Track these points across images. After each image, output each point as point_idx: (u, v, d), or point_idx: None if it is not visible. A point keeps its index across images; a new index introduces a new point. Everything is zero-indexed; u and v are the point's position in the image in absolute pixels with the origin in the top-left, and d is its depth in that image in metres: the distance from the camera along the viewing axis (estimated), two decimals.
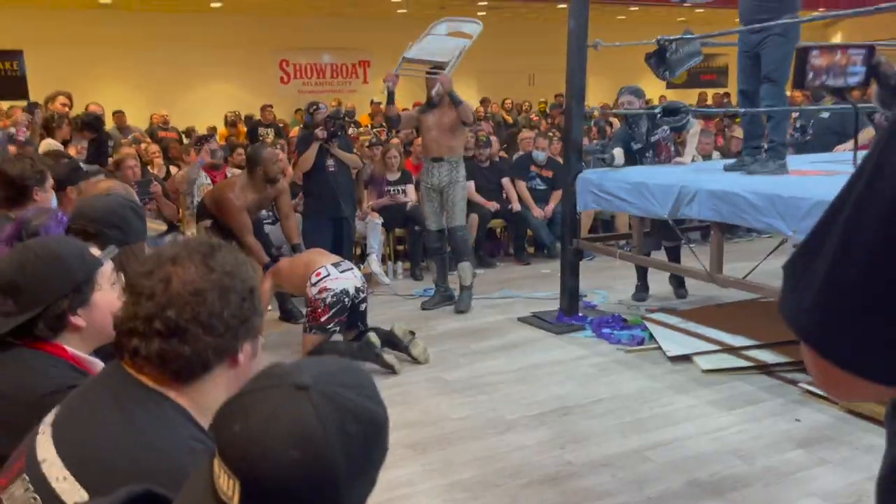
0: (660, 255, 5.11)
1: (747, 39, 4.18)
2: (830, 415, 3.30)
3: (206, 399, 1.07)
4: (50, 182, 2.84)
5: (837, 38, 15.19)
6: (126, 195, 2.48)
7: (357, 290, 4.10)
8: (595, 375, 3.91)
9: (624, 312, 4.87)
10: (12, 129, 4.92)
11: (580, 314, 4.85)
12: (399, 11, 12.84)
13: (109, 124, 8.66)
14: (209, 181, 5.80)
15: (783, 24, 3.91)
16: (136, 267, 1.10)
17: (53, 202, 2.93)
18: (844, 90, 2.88)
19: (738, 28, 4.26)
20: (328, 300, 4.01)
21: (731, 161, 4.68)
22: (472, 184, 6.65)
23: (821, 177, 3.89)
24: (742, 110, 4.41)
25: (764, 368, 3.83)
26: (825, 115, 6.24)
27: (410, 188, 6.48)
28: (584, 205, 4.78)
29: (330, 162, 5.42)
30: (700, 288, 5.21)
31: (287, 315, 5.10)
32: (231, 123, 10.42)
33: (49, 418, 1.09)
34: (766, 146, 4.28)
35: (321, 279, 4.04)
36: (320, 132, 5.34)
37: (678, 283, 5.38)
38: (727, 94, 13.61)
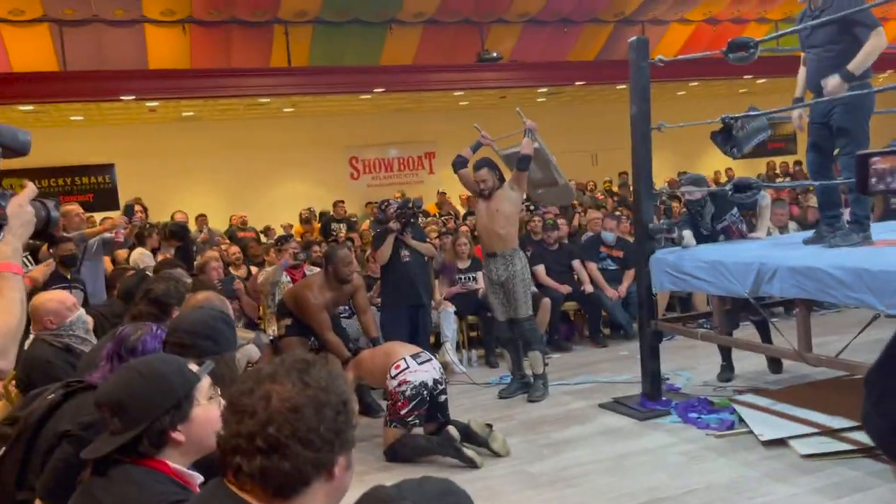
0: (744, 330, 4.94)
1: (817, 108, 4.15)
2: None
3: None
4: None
5: None
6: (219, 306, 2.61)
7: (436, 381, 4.11)
8: (685, 464, 3.75)
9: (710, 395, 4.70)
10: (109, 235, 5.22)
11: (664, 398, 4.70)
12: (461, 104, 13.29)
13: (192, 227, 9.14)
14: (289, 279, 6.01)
15: (855, 94, 3.87)
16: (236, 385, 1.16)
17: None
18: None
19: (805, 103, 4.26)
20: (408, 393, 4.03)
21: (809, 234, 4.57)
22: (541, 267, 6.67)
23: None
24: (816, 183, 4.34)
25: (869, 451, 3.59)
26: None
27: (481, 275, 6.53)
28: (659, 285, 4.71)
29: (405, 252, 5.59)
30: (791, 365, 5.01)
31: (366, 409, 5.13)
32: (305, 220, 10.83)
33: None
34: (847, 218, 4.17)
35: (400, 371, 4.07)
36: (393, 224, 5.54)
37: (772, 358, 5.18)
38: (798, 163, 13.35)
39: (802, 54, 4.36)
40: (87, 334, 3.15)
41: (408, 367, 4.09)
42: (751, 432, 4.00)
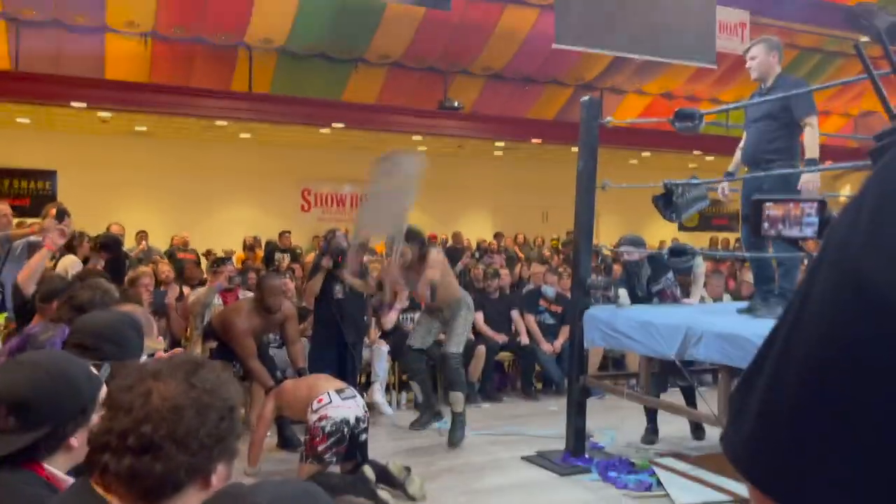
0: (672, 395, 4.99)
1: (751, 182, 4.31)
2: None
3: None
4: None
5: (846, 191, 15.55)
6: (128, 312, 2.50)
7: (357, 419, 4.01)
8: None
9: (632, 455, 4.70)
10: (35, 238, 4.99)
11: (587, 455, 4.69)
12: (419, 149, 13.41)
13: (130, 244, 8.88)
14: (220, 301, 5.86)
15: (785, 171, 4.04)
16: (117, 381, 1.10)
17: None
18: (799, 240, 2.91)
19: (737, 177, 4.41)
20: (327, 429, 3.91)
21: (743, 304, 4.68)
22: (480, 315, 6.66)
23: None
24: (748, 255, 4.47)
25: None
26: None
27: (419, 315, 6.50)
28: (591, 341, 4.74)
29: (338, 288, 5.49)
30: (714, 433, 5.06)
31: (285, 442, 4.98)
32: (249, 247, 10.66)
33: None
34: (776, 291, 4.29)
35: (322, 406, 3.96)
36: (325, 261, 5.47)
37: (696, 424, 5.23)
38: (738, 240, 13.81)
39: (745, 132, 4.55)
40: None
41: (330, 402, 3.97)
42: (667, 496, 4.00)
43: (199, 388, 1.05)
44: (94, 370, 1.59)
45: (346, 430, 3.94)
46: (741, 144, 4.53)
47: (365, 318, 6.02)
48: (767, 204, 0.94)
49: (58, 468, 1.46)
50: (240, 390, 1.15)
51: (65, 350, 1.92)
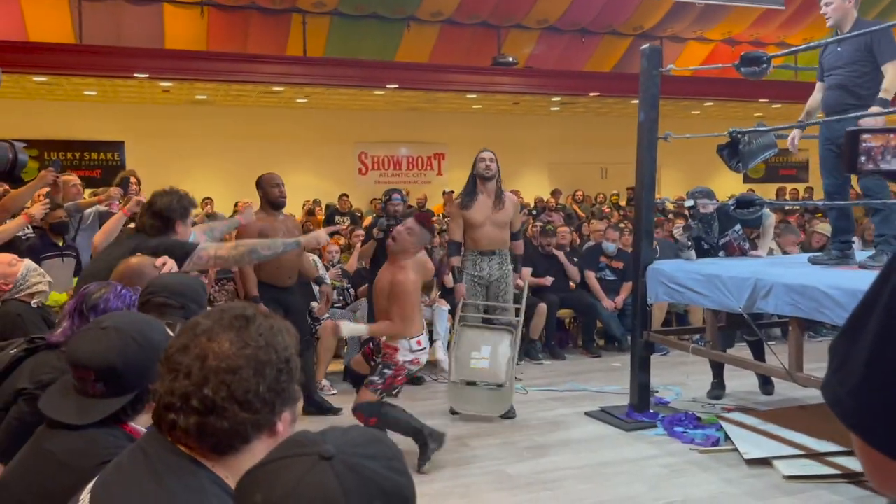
0: (740, 350, 4.88)
1: (831, 130, 4.11)
2: None
3: (244, 470, 1.06)
4: (191, 218, 3.09)
5: None
6: (194, 276, 2.57)
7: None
8: (666, 476, 3.69)
9: (698, 411, 4.64)
10: (104, 207, 5.17)
11: (651, 411, 4.64)
12: (474, 107, 13.27)
13: (196, 210, 9.11)
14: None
15: (858, 115, 3.83)
16: (172, 339, 1.12)
17: (192, 236, 3.16)
18: None
19: (809, 122, 4.21)
20: (412, 372, 3.94)
21: (818, 255, 4.52)
22: (529, 270, 6.57)
23: None
24: (821, 203, 4.29)
25: (852, 477, 3.53)
26: None
27: None
28: (654, 296, 4.66)
29: None
30: (783, 388, 4.94)
31: (314, 406, 4.85)
32: (309, 211, 10.81)
33: (90, 485, 1.10)
34: (874, 239, 4.12)
35: (420, 350, 3.87)
36: (376, 231, 5.41)
37: (764, 378, 5.11)
38: (809, 189, 13.28)
39: (817, 83, 4.33)
40: (44, 277, 3.10)
41: (424, 349, 3.90)
42: (735, 450, 3.94)
43: (254, 346, 1.05)
44: (169, 331, 1.64)
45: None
46: (816, 94, 4.32)
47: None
48: (865, 136, 0.89)
49: (141, 425, 1.53)
50: (293, 335, 1.14)
51: (149, 307, 1.98)
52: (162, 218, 2.96)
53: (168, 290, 2.05)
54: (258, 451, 1.08)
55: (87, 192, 6.06)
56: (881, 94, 3.83)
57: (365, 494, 0.75)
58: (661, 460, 3.92)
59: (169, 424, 1.06)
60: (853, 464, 3.64)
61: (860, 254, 4.53)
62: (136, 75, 9.66)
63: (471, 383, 4.74)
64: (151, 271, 2.35)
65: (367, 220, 9.17)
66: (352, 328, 4.30)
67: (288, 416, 1.10)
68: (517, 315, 5.00)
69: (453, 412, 4.82)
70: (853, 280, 3.51)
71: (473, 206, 4.89)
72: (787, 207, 10.08)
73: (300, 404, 1.14)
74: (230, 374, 1.03)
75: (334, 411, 4.93)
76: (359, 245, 6.49)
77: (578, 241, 7.96)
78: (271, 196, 4.81)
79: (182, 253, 2.82)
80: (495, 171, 4.90)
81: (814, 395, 4.54)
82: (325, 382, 5.37)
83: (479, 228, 4.93)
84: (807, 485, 3.51)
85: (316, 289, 5.50)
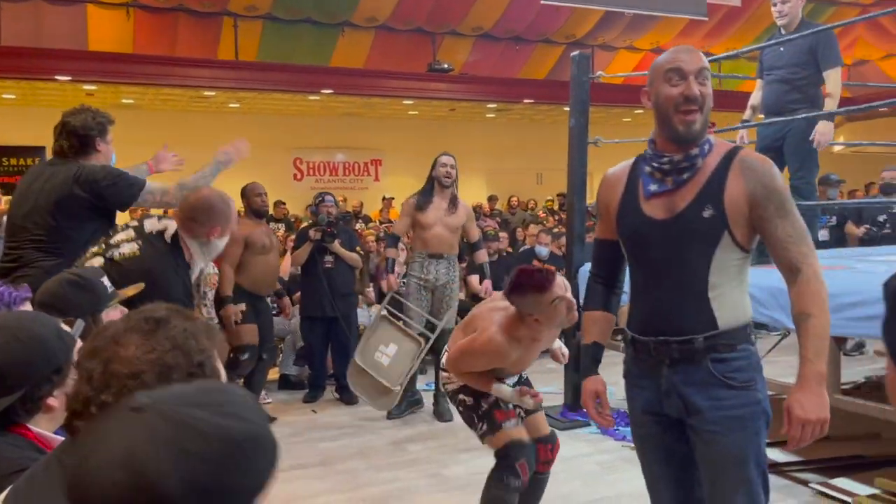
0: None
1: (766, 131, 4.25)
2: None
3: None
4: (111, 135, 2.99)
5: (841, 139, 15.54)
6: (74, 270, 2.43)
7: None
8: (599, 473, 3.78)
9: None
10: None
11: (585, 410, 4.72)
12: (410, 113, 13.30)
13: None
14: (216, 270, 5.84)
15: (809, 116, 3.98)
16: (86, 342, 1.08)
17: (114, 158, 3.09)
18: None
19: (752, 123, 4.35)
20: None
21: None
22: (475, 277, 6.65)
23: (836, 271, 3.89)
24: None
25: (774, 468, 3.68)
26: None
27: None
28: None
29: (327, 258, 5.38)
30: None
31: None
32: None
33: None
34: None
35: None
36: (313, 233, 5.34)
37: None
38: None
39: (758, 81, 4.48)
40: None
41: None
42: None
43: (160, 349, 1.00)
44: (66, 327, 1.57)
45: None
46: (758, 91, 4.44)
47: (354, 287, 5.86)
48: None
49: (45, 429, 1.46)
50: (216, 337, 1.10)
51: (36, 305, 1.88)
52: (79, 137, 2.87)
53: (42, 292, 1.97)
54: None
55: (5, 198, 5.81)
56: (827, 101, 3.98)
57: (177, 441, 0.71)
58: (595, 458, 4.00)
59: (74, 431, 1.02)
60: (775, 455, 3.80)
61: None
62: (57, 78, 9.32)
63: (366, 372, 4.71)
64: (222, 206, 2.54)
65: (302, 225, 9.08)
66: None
67: None
68: (457, 322, 4.94)
69: (390, 415, 4.83)
70: (772, 279, 3.65)
71: (428, 208, 4.85)
72: None
73: None
74: (132, 379, 0.98)
75: (270, 420, 4.87)
76: (289, 251, 6.40)
77: (510, 249, 8.05)
78: (254, 205, 4.97)
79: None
80: (454, 178, 4.92)
81: None
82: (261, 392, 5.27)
83: (430, 229, 4.88)
84: None
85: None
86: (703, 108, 1.77)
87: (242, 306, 4.68)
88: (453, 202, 4.91)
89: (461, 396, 2.86)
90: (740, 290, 1.82)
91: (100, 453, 0.71)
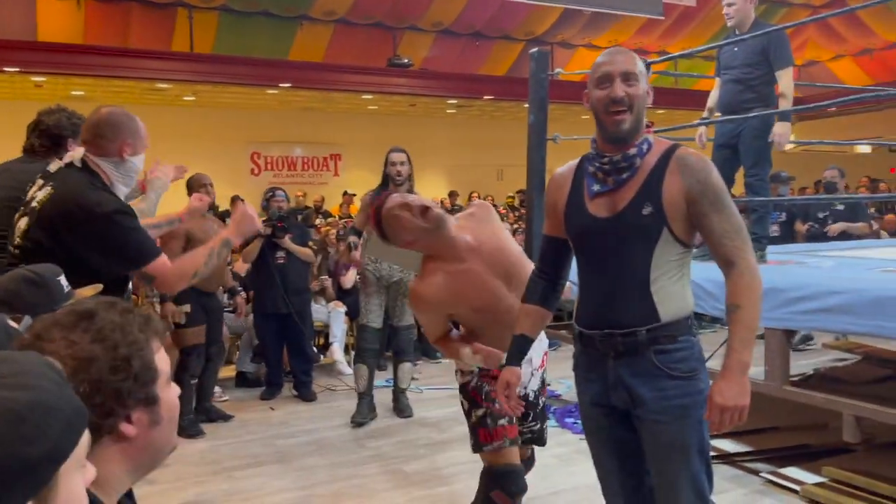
0: None
1: (723, 129, 4.34)
2: None
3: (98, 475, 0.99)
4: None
5: (792, 137, 15.96)
6: (32, 268, 2.36)
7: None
8: (556, 466, 3.81)
9: None
10: None
11: None
12: (370, 108, 13.23)
13: None
14: None
15: (761, 116, 4.10)
16: (16, 340, 1.04)
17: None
18: None
19: (710, 119, 4.43)
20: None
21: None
22: None
23: (786, 266, 4.00)
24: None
25: (726, 458, 3.77)
26: (840, 206, 6.53)
27: None
28: None
29: (279, 253, 5.32)
30: None
31: (203, 413, 4.75)
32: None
33: None
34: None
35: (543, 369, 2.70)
36: (263, 228, 5.26)
37: None
38: None
39: (717, 80, 4.56)
40: None
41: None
42: None
43: (81, 343, 0.97)
44: (13, 324, 1.53)
45: None
46: (715, 90, 4.53)
47: (309, 283, 5.80)
48: None
49: None
50: (154, 329, 1.06)
51: None
52: (51, 136, 2.82)
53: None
54: (109, 454, 1.00)
55: None
56: (781, 101, 4.08)
57: None
58: (553, 451, 4.02)
59: None
60: (727, 445, 3.88)
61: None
62: (5, 69, 9.02)
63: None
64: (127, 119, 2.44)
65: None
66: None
67: (143, 417, 1.03)
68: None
69: (354, 422, 4.65)
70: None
71: None
72: None
73: (169, 405, 1.07)
74: None
75: (225, 418, 4.81)
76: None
77: None
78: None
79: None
80: (406, 176, 4.68)
81: None
82: (216, 389, 5.19)
83: None
84: None
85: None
86: (633, 108, 1.83)
87: (187, 307, 4.53)
88: None
89: (460, 398, 2.65)
90: (682, 284, 1.88)
91: None
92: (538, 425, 2.69)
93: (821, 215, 6.79)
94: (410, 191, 4.59)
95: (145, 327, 1.03)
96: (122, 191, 2.43)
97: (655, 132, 4.37)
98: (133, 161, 2.45)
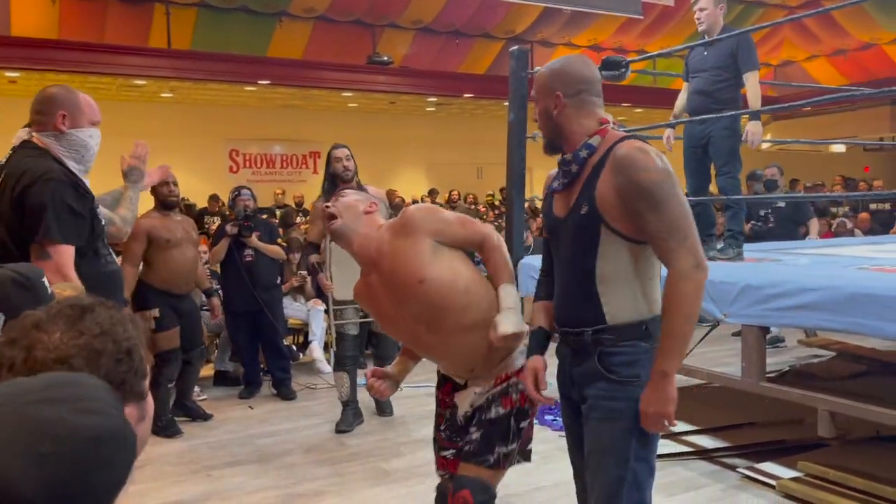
0: None
1: (693, 131, 4.41)
2: (769, 500, 3.29)
3: None
4: None
5: (767, 137, 16.14)
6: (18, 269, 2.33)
7: None
8: (536, 463, 3.79)
9: None
10: None
11: None
12: (350, 105, 13.18)
13: None
14: None
15: (729, 117, 4.22)
16: (2, 334, 1.03)
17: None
18: None
19: (678, 121, 4.50)
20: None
21: None
22: None
23: (765, 264, 4.06)
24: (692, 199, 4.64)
25: (703, 454, 3.81)
26: (781, 204, 6.65)
27: None
28: (526, 290, 4.81)
29: (247, 251, 5.28)
30: None
31: (184, 411, 4.75)
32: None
33: None
34: (724, 234, 4.46)
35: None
36: (230, 228, 5.25)
37: None
38: None
39: (684, 84, 4.64)
40: None
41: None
42: None
43: (88, 335, 0.97)
44: None
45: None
46: (683, 94, 4.62)
47: (279, 281, 5.71)
48: None
49: None
50: (140, 328, 1.07)
51: None
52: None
53: None
54: None
55: None
56: (751, 103, 4.18)
57: (29, 442, 0.67)
58: (534, 448, 4.04)
59: None
60: (704, 441, 3.93)
61: None
62: None
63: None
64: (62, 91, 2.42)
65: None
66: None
67: (133, 412, 1.03)
68: None
69: (339, 430, 4.49)
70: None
71: None
72: None
73: (150, 402, 1.07)
74: (59, 364, 0.94)
75: (205, 417, 4.78)
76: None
77: None
78: (160, 195, 4.61)
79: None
80: (353, 171, 4.48)
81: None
82: (195, 388, 5.15)
83: None
84: (663, 462, 3.73)
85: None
86: (541, 125, 1.96)
87: (155, 312, 4.45)
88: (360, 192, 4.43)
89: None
90: (638, 285, 1.82)
91: None
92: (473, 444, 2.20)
93: (762, 213, 6.89)
94: (359, 186, 4.33)
95: (135, 325, 1.04)
96: (74, 167, 2.40)
97: (630, 131, 4.42)
98: (75, 134, 2.42)
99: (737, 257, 4.25)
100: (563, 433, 4.18)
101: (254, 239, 5.27)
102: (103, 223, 2.59)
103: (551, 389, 2.03)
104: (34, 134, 2.39)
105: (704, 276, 1.75)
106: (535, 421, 4.39)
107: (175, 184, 4.67)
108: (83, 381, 0.77)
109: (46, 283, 1.90)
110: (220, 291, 5.50)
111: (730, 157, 4.30)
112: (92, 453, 0.70)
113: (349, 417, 4.53)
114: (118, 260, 3.60)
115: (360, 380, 5.18)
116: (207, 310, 5.32)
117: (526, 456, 2.42)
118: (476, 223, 2.23)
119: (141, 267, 4.56)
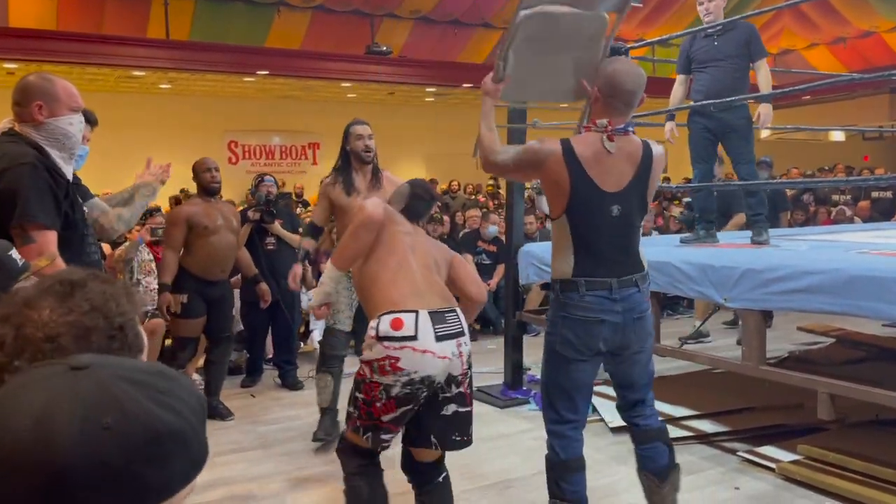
0: None
1: (710, 121, 4.39)
2: (769, 483, 3.31)
3: None
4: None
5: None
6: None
7: (450, 379, 2.51)
8: (538, 448, 3.81)
9: None
10: None
11: (524, 388, 4.81)
12: (349, 96, 13.15)
13: None
14: (150, 256, 5.68)
15: (746, 107, 4.35)
16: None
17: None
18: None
19: (692, 104, 4.53)
20: (396, 391, 2.36)
21: (687, 235, 4.85)
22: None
23: (766, 248, 4.08)
24: (693, 186, 4.65)
25: (704, 438, 3.83)
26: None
27: None
28: (525, 277, 4.82)
29: (269, 240, 5.28)
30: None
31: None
32: (177, 202, 10.34)
33: None
34: (753, 219, 4.49)
35: (399, 338, 2.33)
36: (252, 213, 5.23)
37: None
38: (667, 179, 14.14)
39: (679, 76, 4.62)
40: None
41: (414, 337, 2.34)
42: (602, 420, 4.17)
43: (78, 311, 0.95)
44: None
45: (423, 394, 2.44)
46: (678, 87, 4.62)
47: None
48: None
49: None
50: (137, 300, 1.05)
51: None
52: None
53: None
54: None
55: None
56: (763, 90, 4.22)
57: (98, 410, 0.66)
58: (534, 433, 4.06)
59: None
60: (705, 426, 3.94)
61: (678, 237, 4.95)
62: None
63: None
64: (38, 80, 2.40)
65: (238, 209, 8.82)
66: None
67: None
68: None
69: (316, 439, 4.09)
70: (703, 256, 3.79)
71: (348, 188, 3.99)
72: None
73: None
74: (48, 342, 0.92)
75: (224, 416, 4.61)
76: None
77: (449, 230, 8.06)
78: (203, 181, 4.60)
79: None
80: (374, 152, 4.13)
81: (670, 367, 4.87)
82: (195, 377, 5.15)
83: (353, 212, 4.54)
84: None
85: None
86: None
87: (184, 297, 4.43)
88: (376, 176, 4.06)
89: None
90: (554, 250, 2.58)
91: (19, 398, 0.67)
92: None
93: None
94: (376, 166, 4.11)
95: (130, 297, 1.02)
96: (57, 155, 2.39)
97: (634, 117, 4.44)
98: (54, 123, 2.40)
99: (769, 240, 4.31)
100: None
101: (276, 226, 5.26)
102: (86, 211, 2.58)
103: None
104: (16, 126, 2.40)
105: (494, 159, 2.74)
106: (536, 408, 4.44)
107: (217, 169, 4.65)
108: (180, 380, 0.76)
109: (14, 255, 1.90)
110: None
111: (749, 145, 4.40)
112: (150, 445, 0.68)
113: (327, 425, 4.02)
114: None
115: (349, 368, 5.19)
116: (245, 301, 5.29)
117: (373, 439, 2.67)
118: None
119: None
